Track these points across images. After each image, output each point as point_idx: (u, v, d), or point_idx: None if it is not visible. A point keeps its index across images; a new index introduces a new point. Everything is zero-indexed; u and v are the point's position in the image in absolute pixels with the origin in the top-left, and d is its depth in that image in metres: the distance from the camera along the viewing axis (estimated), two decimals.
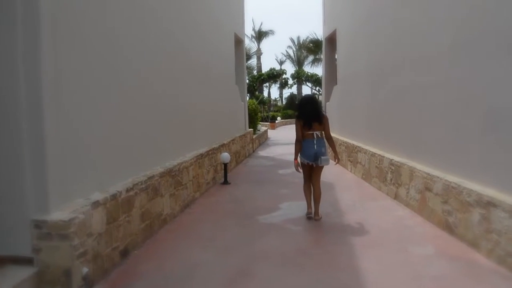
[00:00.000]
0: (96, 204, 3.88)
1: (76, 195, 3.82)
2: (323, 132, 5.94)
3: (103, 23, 4.38)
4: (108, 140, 4.46)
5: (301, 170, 6.02)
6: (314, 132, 5.80)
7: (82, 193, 3.92)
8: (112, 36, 4.58)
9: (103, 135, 4.34)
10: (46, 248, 3.36)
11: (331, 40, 14.25)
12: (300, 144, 5.87)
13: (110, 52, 4.53)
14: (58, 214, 3.41)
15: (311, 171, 6.00)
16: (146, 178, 5.14)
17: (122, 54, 4.84)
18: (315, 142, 5.77)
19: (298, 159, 5.94)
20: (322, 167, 5.93)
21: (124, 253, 4.47)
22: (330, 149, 6.23)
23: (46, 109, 3.39)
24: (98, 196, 4.03)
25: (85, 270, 3.52)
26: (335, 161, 6.23)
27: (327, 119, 6.05)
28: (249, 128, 16.14)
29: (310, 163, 5.83)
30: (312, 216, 5.95)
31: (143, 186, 5.00)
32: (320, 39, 33.99)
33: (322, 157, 5.70)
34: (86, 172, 4.01)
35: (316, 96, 46.36)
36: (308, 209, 6.09)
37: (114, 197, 4.25)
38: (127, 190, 4.56)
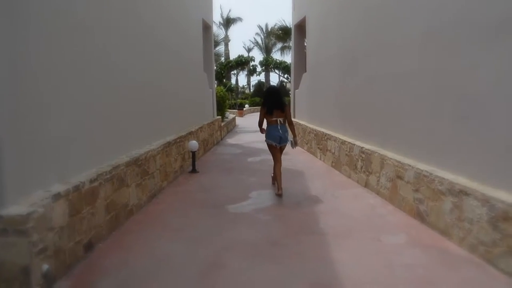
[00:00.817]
0: (57, 196, 3.64)
1: (35, 187, 3.57)
2: (285, 119, 6.88)
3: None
4: (70, 129, 4.19)
5: (265, 144, 7.08)
6: (278, 119, 6.77)
7: (42, 185, 3.66)
8: (73, 17, 4.31)
9: (64, 123, 4.08)
10: (2, 244, 3.09)
11: (301, 27, 14.14)
12: (261, 126, 7.08)
13: (71, 34, 4.26)
14: (15, 208, 3.14)
15: (274, 150, 6.90)
16: (111, 168, 4.90)
17: (85, 36, 4.57)
18: (279, 128, 6.76)
19: (266, 141, 6.96)
20: (283, 148, 6.99)
21: (89, 247, 4.25)
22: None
23: None
24: (59, 187, 3.78)
25: (45, 267, 3.30)
26: (294, 144, 7.08)
27: (288, 108, 7.04)
28: (217, 115, 15.92)
29: (275, 144, 6.81)
30: (279, 193, 6.56)
31: (108, 176, 4.77)
32: (289, 26, 33.80)
33: (287, 141, 6.90)
34: (46, 162, 3.76)
35: (285, 83, 46.71)
36: (279, 190, 6.59)
37: (76, 188, 4.01)
38: (91, 181, 4.33)
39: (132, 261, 4.07)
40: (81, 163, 4.41)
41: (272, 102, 6.85)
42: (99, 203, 4.52)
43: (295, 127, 7.10)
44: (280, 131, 6.74)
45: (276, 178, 6.79)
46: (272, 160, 7.02)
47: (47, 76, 3.80)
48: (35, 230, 3.20)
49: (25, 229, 3.10)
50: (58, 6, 4.00)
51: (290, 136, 6.96)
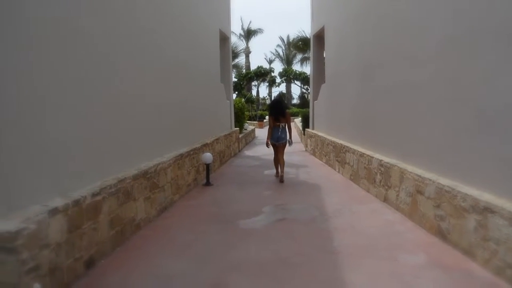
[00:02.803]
0: (54, 212, 3.48)
1: (32, 201, 3.41)
2: (285, 124, 9.12)
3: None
4: (73, 141, 4.05)
5: (270, 146, 9.27)
6: (280, 124, 9.02)
7: (40, 199, 3.50)
8: (84, 33, 4.18)
9: (66, 134, 3.94)
10: None
11: (319, 37, 13.93)
12: (271, 130, 9.05)
13: (83, 48, 4.13)
14: (3, 224, 2.97)
15: (276, 148, 9.20)
16: (117, 181, 4.74)
17: (96, 50, 4.46)
18: (279, 130, 9.01)
19: (269, 141, 9.16)
20: (284, 146, 9.13)
21: (90, 264, 4.07)
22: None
23: None
24: (58, 202, 3.62)
25: (36, 286, 3.12)
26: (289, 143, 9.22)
27: (289, 115, 9.35)
28: (236, 127, 15.76)
29: (274, 142, 9.07)
30: (281, 179, 8.81)
31: (113, 190, 4.60)
32: (308, 37, 33.65)
33: (282, 141, 9.04)
34: (45, 175, 3.61)
35: (306, 95, 46.47)
36: (276, 174, 9.39)
37: (77, 203, 3.84)
38: (93, 195, 4.15)
39: (133, 281, 3.87)
40: (85, 176, 4.25)
41: (277, 111, 9.08)
42: (102, 218, 4.34)
43: (291, 128, 9.51)
44: (280, 133, 8.97)
45: (276, 167, 9.45)
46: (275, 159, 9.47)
47: (49, 82, 3.66)
48: (25, 247, 3.02)
49: (13, 247, 2.92)
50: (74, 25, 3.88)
51: (287, 136, 9.13)
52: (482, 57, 4.22)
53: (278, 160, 9.10)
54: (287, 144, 9.16)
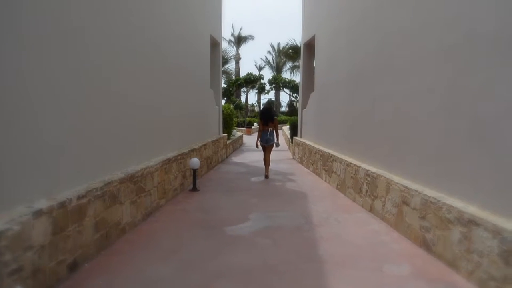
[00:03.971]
0: (38, 213, 3.44)
1: (16, 202, 3.37)
2: (273, 128, 10.62)
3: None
4: (60, 143, 4.01)
5: (260, 147, 10.71)
6: (269, 128, 10.54)
7: (25, 200, 3.47)
8: (72, 33, 4.16)
9: (54, 136, 3.90)
10: None
11: (310, 46, 14.01)
12: (260, 133, 10.62)
13: (69, 49, 4.10)
14: None
15: (264, 149, 10.70)
16: (103, 184, 4.70)
17: (84, 51, 4.43)
18: (268, 134, 10.54)
19: (259, 142, 10.64)
20: (271, 147, 10.70)
21: (73, 267, 4.02)
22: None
23: None
24: (42, 204, 3.58)
25: None
26: (276, 145, 10.84)
27: (277, 121, 10.76)
28: (224, 133, 15.73)
29: (263, 144, 10.60)
30: (266, 176, 10.44)
31: (99, 193, 4.56)
32: (299, 45, 33.79)
33: (270, 142, 10.61)
34: (30, 176, 3.56)
35: (294, 103, 46.61)
36: (265, 172, 10.58)
37: (62, 205, 3.80)
38: (79, 198, 4.11)
39: (117, 285, 3.83)
40: (71, 179, 4.21)
41: (266, 116, 10.60)
42: (87, 221, 4.30)
43: (278, 132, 11.16)
44: (268, 135, 10.52)
45: (265, 165, 10.69)
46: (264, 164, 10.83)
47: (36, 85, 3.62)
48: (8, 249, 2.98)
49: None
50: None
51: (275, 139, 10.70)
52: (476, 68, 4.27)
53: (265, 159, 10.67)
54: (274, 146, 10.73)
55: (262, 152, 10.95)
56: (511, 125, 3.68)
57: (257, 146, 10.69)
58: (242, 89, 47.83)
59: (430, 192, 4.86)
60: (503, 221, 3.63)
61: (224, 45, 13.29)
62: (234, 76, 47.78)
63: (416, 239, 5.04)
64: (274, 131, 10.65)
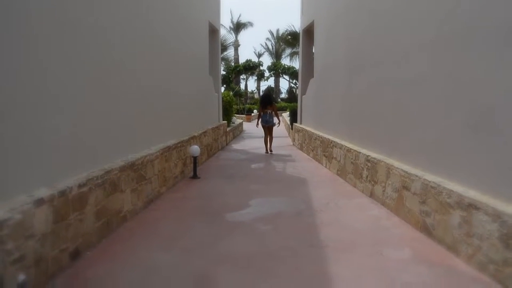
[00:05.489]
0: (40, 202, 3.45)
1: (17, 191, 3.37)
2: (272, 111, 12.71)
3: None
4: (59, 131, 4.01)
5: (260, 127, 12.80)
6: (268, 111, 12.61)
7: (26, 189, 3.47)
8: (65, 18, 4.13)
9: (52, 124, 3.89)
10: None
11: (309, 32, 13.93)
12: (260, 115, 12.75)
13: (62, 33, 4.07)
14: None
15: (266, 129, 12.64)
16: (104, 172, 4.70)
17: (80, 35, 4.39)
18: (267, 115, 12.61)
19: (260, 123, 12.74)
20: (272, 127, 12.71)
21: (75, 255, 4.05)
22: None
23: None
24: (43, 192, 3.59)
25: (21, 277, 3.07)
26: (277, 123, 12.96)
27: (275, 105, 13.32)
28: (224, 120, 15.72)
29: (263, 124, 12.58)
30: (268, 153, 12.50)
31: (99, 181, 4.57)
32: (298, 31, 33.61)
33: (269, 123, 12.67)
34: (33, 165, 3.57)
35: (294, 89, 46.55)
36: (266, 151, 12.58)
37: (63, 193, 3.81)
38: (80, 186, 4.12)
39: (119, 272, 3.85)
40: (71, 167, 4.21)
41: (265, 101, 12.89)
42: (88, 209, 4.31)
43: (278, 114, 13.44)
44: (268, 117, 12.60)
45: (265, 144, 12.68)
46: (264, 146, 12.79)
47: (36, 75, 3.61)
48: (10, 237, 3.00)
49: None
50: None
51: (275, 120, 12.79)
52: (475, 56, 4.25)
53: (267, 138, 12.65)
54: (275, 125, 12.89)
55: (263, 140, 12.94)
56: (509, 111, 3.68)
57: (257, 125, 13.03)
58: (241, 76, 47.74)
59: (430, 177, 4.86)
60: (503, 205, 3.63)
61: (223, 32, 13.32)
62: (233, 63, 47.62)
63: (416, 223, 5.06)
64: (274, 114, 12.76)
